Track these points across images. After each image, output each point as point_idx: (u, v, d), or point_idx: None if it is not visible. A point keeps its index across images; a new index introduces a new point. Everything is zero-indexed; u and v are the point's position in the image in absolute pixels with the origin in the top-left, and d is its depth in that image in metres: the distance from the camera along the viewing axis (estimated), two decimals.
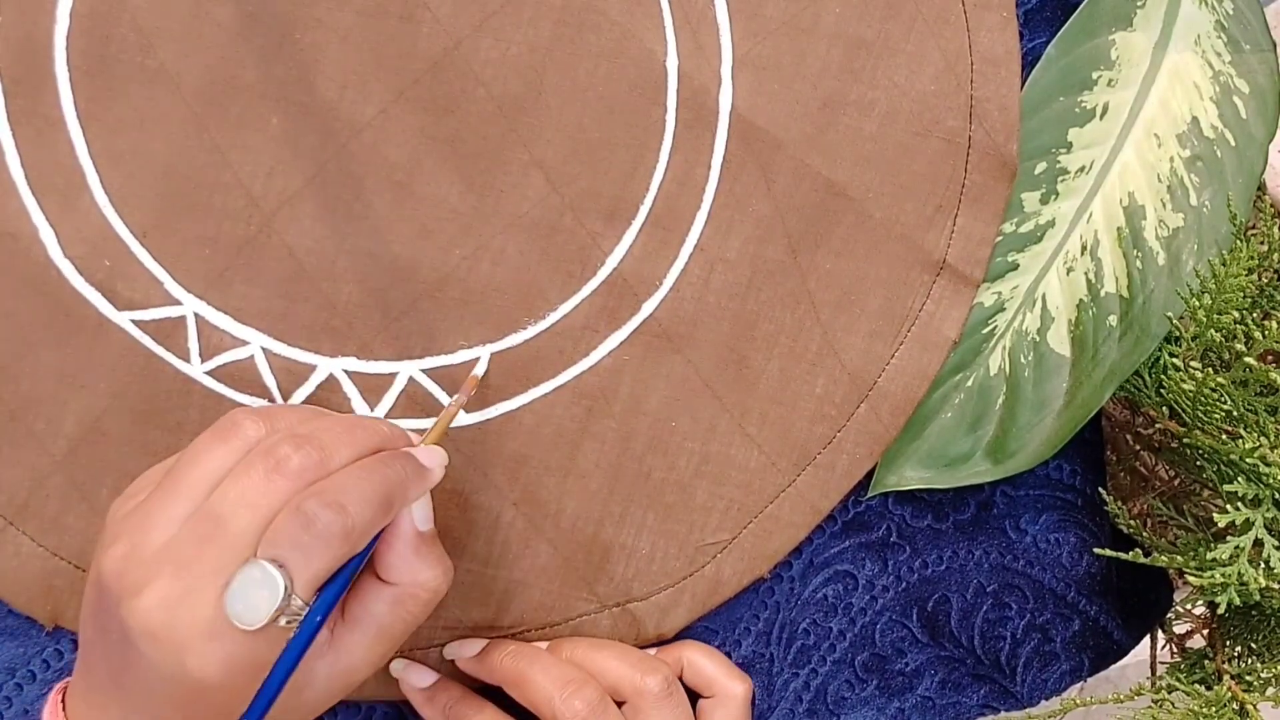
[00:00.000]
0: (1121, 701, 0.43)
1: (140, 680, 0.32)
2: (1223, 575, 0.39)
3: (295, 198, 0.41)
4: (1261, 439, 0.39)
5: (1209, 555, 0.40)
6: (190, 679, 0.31)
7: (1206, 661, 0.45)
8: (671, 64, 0.42)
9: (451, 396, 0.42)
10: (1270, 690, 0.43)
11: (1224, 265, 0.41)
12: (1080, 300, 0.45)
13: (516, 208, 0.42)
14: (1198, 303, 0.42)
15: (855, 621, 0.46)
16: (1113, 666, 0.48)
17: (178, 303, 0.41)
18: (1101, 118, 0.45)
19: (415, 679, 0.42)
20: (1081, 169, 0.45)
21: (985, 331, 0.45)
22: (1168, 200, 0.45)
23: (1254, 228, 0.45)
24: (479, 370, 0.41)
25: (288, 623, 0.31)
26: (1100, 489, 0.47)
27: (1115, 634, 0.48)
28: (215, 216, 0.41)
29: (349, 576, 0.33)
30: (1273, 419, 0.40)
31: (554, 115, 0.41)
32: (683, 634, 0.45)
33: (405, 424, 0.42)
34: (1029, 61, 0.44)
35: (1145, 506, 0.52)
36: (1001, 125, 0.44)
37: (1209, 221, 0.44)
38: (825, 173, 0.43)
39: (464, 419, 0.42)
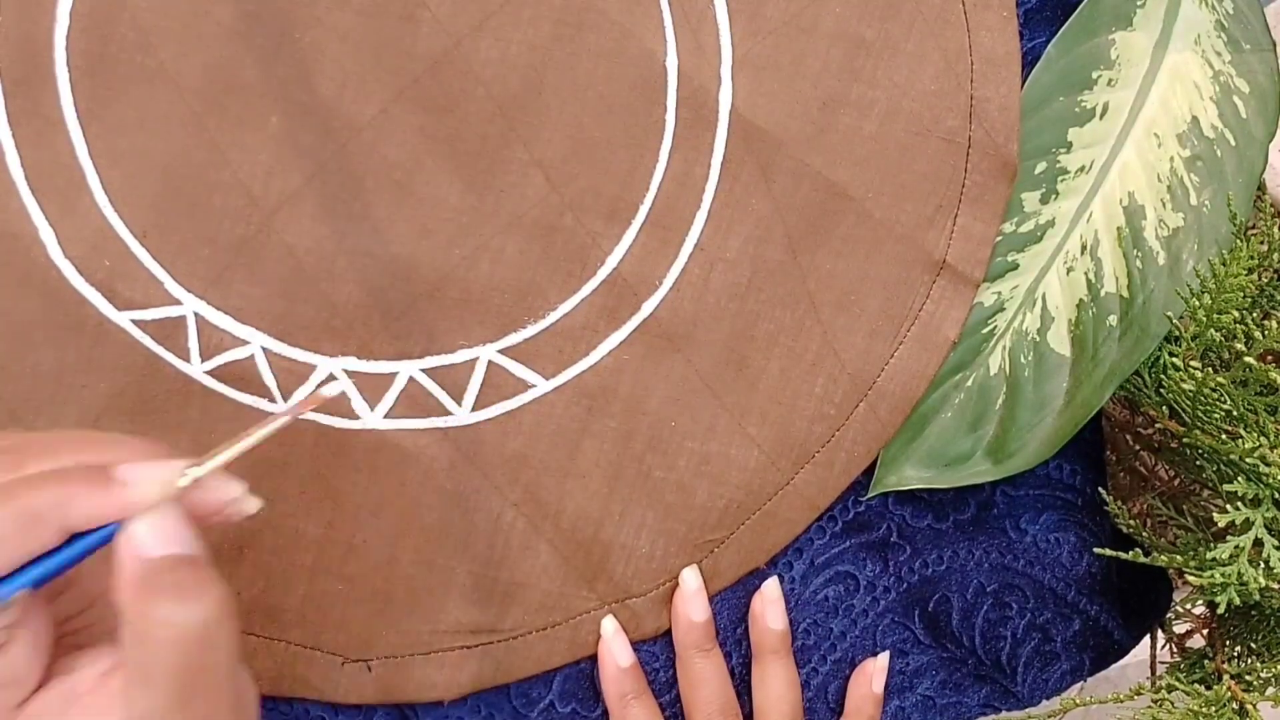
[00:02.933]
0: (1121, 701, 0.43)
1: None
2: (1223, 575, 0.39)
3: (295, 197, 0.41)
4: (1261, 439, 0.39)
5: (1209, 555, 0.40)
6: None
7: (1206, 661, 0.45)
8: (671, 64, 0.42)
9: (451, 397, 0.42)
10: (1270, 690, 0.43)
11: (1224, 265, 0.41)
12: (1080, 300, 0.45)
13: (516, 207, 0.42)
14: (1198, 302, 0.42)
15: (857, 623, 0.46)
16: (1113, 666, 0.48)
17: (178, 302, 0.41)
18: (1101, 117, 0.45)
19: (618, 653, 0.43)
20: (1081, 169, 0.45)
21: (985, 331, 0.45)
22: (1168, 200, 0.45)
23: (1254, 227, 0.45)
24: (329, 390, 0.34)
25: None
26: (1100, 489, 0.47)
27: (1115, 633, 0.48)
28: (215, 216, 0.41)
29: (27, 581, 0.29)
30: (1273, 419, 0.40)
31: (554, 115, 0.41)
32: None
33: (404, 424, 0.42)
34: (1029, 61, 0.44)
35: (1145, 506, 0.52)
36: (1001, 125, 0.44)
37: (1209, 221, 0.44)
38: (825, 172, 0.43)
39: (464, 419, 0.42)
